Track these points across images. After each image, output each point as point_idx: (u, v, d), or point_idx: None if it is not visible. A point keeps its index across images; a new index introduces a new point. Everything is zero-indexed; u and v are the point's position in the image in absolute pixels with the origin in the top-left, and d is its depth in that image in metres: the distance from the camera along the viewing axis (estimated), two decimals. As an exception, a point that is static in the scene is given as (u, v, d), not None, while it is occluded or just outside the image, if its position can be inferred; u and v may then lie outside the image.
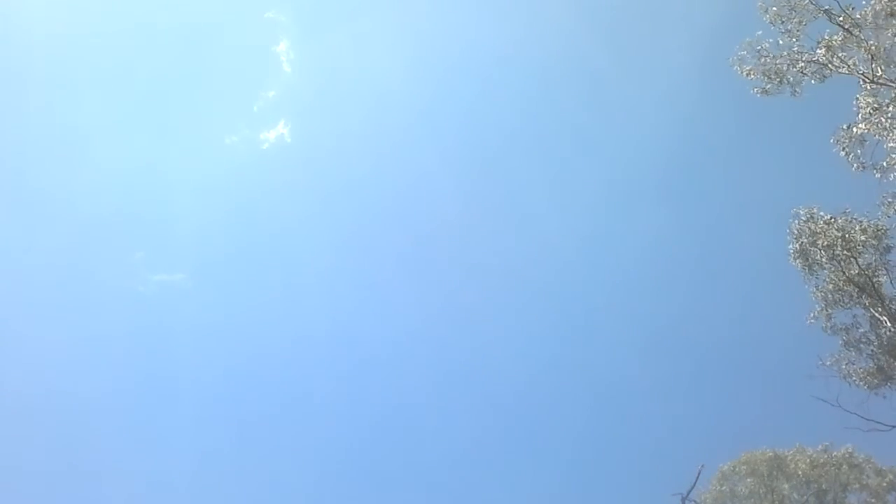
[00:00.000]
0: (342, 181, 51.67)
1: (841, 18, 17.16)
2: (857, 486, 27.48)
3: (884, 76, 17.23)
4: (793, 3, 18.27)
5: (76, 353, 47.21)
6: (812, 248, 20.88)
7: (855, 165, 18.47)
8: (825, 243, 20.57)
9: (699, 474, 28.18)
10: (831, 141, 18.56)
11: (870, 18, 16.92)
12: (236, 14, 50.87)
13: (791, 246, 21.31)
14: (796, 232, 21.17)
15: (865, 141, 18.13)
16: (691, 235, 49.02)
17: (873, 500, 27.38)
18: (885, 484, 26.97)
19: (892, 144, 17.28)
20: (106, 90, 49.59)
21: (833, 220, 20.78)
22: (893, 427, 20.79)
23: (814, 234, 20.72)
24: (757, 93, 19.14)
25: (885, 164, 18.04)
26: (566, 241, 49.38)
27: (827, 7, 17.60)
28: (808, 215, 21.04)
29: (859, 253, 20.61)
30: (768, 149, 43.88)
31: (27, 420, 43.88)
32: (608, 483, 43.03)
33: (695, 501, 28.13)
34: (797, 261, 21.30)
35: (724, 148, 46.91)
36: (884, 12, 16.41)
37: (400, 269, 51.63)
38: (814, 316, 21.68)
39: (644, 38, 46.96)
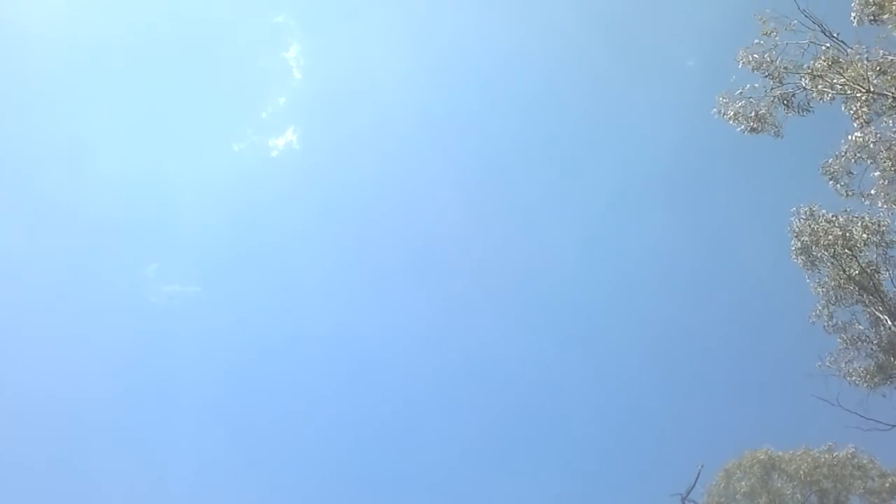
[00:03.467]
0: (351, 188, 51.58)
1: (826, 47, 17.25)
2: (861, 489, 27.45)
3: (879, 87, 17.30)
4: (771, 50, 18.16)
5: (87, 362, 47.30)
6: (814, 246, 21.00)
7: (844, 193, 18.95)
8: (826, 241, 20.69)
9: (699, 474, 28.34)
10: (819, 170, 19.00)
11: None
12: (245, 19, 50.63)
13: (792, 243, 21.44)
14: (797, 229, 21.32)
15: (853, 172, 18.67)
16: (695, 238, 49.04)
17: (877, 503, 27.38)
18: (887, 486, 26.93)
19: (877, 174, 17.76)
20: (114, 97, 49.84)
21: (835, 217, 20.92)
22: (894, 426, 20.84)
23: (814, 231, 20.88)
24: (745, 133, 19.09)
25: (872, 192, 18.42)
26: (569, 243, 49.49)
27: (806, 44, 17.63)
28: (809, 213, 21.19)
29: (860, 251, 20.70)
30: (773, 153, 43.87)
31: (38, 428, 44.24)
32: (609, 483, 43.07)
33: (694, 501, 28.31)
34: (799, 258, 21.43)
35: (728, 152, 46.91)
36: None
37: (410, 274, 51.71)
38: (815, 314, 21.76)
39: (649, 42, 47.08)
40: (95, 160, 48.86)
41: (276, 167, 51.08)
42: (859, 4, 17.12)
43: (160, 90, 49.62)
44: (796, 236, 21.32)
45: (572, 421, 46.46)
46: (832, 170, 18.97)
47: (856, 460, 27.55)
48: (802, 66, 17.92)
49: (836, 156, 18.65)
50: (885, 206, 18.61)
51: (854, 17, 17.28)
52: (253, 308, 50.69)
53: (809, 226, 20.99)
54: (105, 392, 46.27)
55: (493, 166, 51.62)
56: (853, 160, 18.31)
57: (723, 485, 28.75)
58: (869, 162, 17.88)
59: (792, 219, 21.46)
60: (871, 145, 17.66)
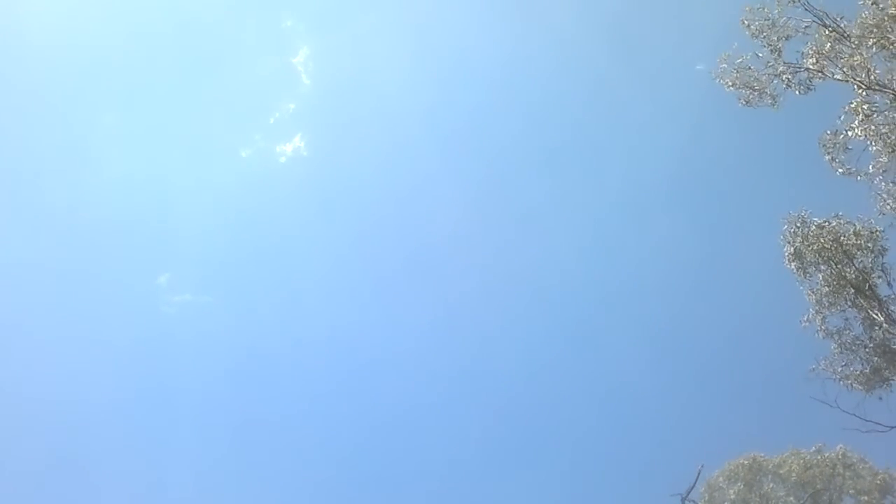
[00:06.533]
0: (359, 194, 51.27)
1: (828, 31, 17.34)
2: (852, 490, 27.68)
3: (878, 82, 17.46)
4: (773, 20, 18.44)
5: (98, 371, 46.90)
6: (807, 251, 21.06)
7: (840, 170, 18.83)
8: (818, 247, 20.78)
9: (699, 474, 28.53)
10: (818, 145, 18.90)
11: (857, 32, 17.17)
12: (253, 23, 49.88)
13: (786, 249, 21.46)
14: (790, 236, 21.38)
15: (850, 148, 18.52)
16: (698, 242, 49.21)
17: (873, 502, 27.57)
18: (878, 483, 27.15)
19: (876, 148, 17.58)
20: (122, 104, 49.42)
21: (826, 223, 21.02)
22: (892, 428, 21.01)
23: (807, 237, 20.96)
24: (741, 103, 19.40)
25: (870, 168, 18.33)
26: (572, 246, 49.73)
27: (808, 22, 17.81)
28: (801, 220, 21.26)
29: (853, 256, 20.77)
30: (778, 157, 44.03)
31: (49, 436, 44.45)
32: (609, 483, 43.34)
33: (694, 502, 28.53)
34: (792, 264, 21.45)
35: (732, 156, 47.07)
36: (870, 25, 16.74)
37: (418, 278, 51.76)
38: (807, 319, 21.74)
39: (657, 45, 47.17)
40: (103, 166, 48.33)
41: (284, 173, 50.95)
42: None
43: (167, 96, 49.11)
44: (789, 242, 21.38)
45: (573, 421, 46.79)
46: (828, 144, 18.82)
47: (846, 460, 27.77)
48: (805, 42, 18.01)
49: (834, 132, 18.49)
50: (883, 185, 18.57)
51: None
52: (263, 316, 50.62)
53: (802, 231, 21.08)
54: (116, 400, 46.44)
55: (501, 171, 51.84)
56: (851, 136, 17.92)
57: (707, 497, 28.98)
58: (868, 142, 17.70)
59: (784, 227, 21.52)
60: (871, 141, 17.60)
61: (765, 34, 18.43)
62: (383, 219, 51.99)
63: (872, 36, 16.75)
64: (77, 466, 44.21)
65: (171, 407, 46.61)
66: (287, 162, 50.50)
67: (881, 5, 16.67)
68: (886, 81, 17.12)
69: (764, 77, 18.81)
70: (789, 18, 18.13)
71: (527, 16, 47.73)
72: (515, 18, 48.23)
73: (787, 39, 18.24)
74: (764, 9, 18.49)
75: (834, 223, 20.93)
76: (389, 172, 52.34)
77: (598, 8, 48.59)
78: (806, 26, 17.87)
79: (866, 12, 16.78)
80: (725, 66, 19.34)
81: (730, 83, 19.20)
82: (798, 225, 21.25)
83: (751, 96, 19.04)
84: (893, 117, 17.27)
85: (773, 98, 18.98)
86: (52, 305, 47.65)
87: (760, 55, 18.75)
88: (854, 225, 20.74)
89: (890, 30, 16.64)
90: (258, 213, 51.59)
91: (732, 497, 28.52)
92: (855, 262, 20.82)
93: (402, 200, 52.13)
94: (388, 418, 48.89)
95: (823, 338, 21.62)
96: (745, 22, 18.83)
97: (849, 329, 21.50)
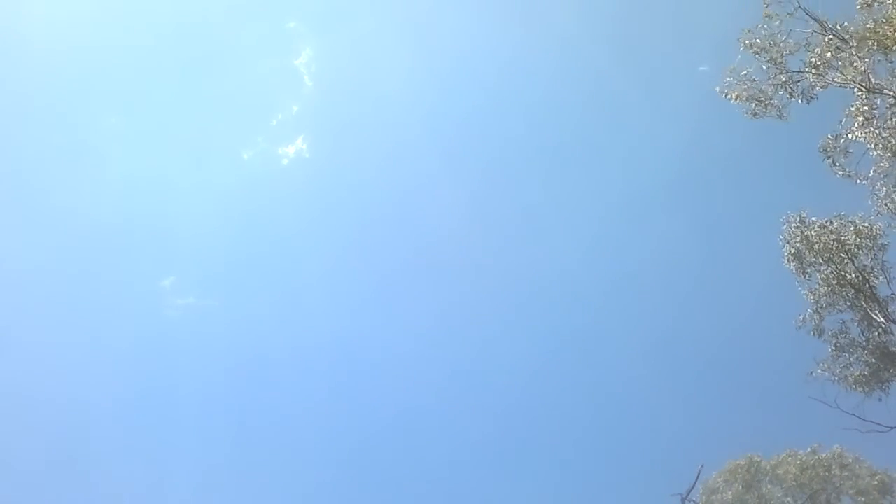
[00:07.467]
0: (362, 196, 51.00)
1: (828, 38, 17.40)
2: (852, 490, 27.71)
3: (878, 85, 17.51)
4: (772, 35, 18.37)
5: (100, 374, 46.67)
6: (807, 252, 21.12)
7: (840, 173, 18.87)
8: (820, 246, 20.84)
9: (699, 474, 28.59)
10: (819, 149, 18.94)
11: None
12: (256, 24, 49.44)
13: (785, 249, 21.51)
14: (789, 236, 21.44)
15: (851, 151, 18.59)
16: (698, 244, 49.14)
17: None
18: (875, 483, 27.19)
19: (877, 153, 17.60)
20: (123, 106, 49.24)
21: (828, 223, 21.07)
22: (892, 428, 21.04)
23: (807, 237, 21.00)
24: (747, 116, 19.29)
25: (871, 172, 18.40)
26: (573, 247, 49.77)
27: (809, 32, 17.88)
28: (800, 220, 21.31)
29: (855, 255, 20.82)
30: (779, 159, 43.97)
31: (53, 439, 44.39)
32: (609, 483, 43.35)
33: (694, 501, 28.60)
34: (791, 264, 21.51)
35: (734, 158, 47.03)
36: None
37: (422, 280, 51.66)
38: (803, 319, 21.78)
39: (660, 46, 47.14)
40: (106, 168, 47.93)
41: (286, 175, 50.52)
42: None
43: (169, 98, 48.72)
44: (788, 242, 21.43)
45: (573, 422, 46.82)
46: (829, 148, 18.86)
47: (842, 460, 27.80)
48: (807, 52, 18.00)
49: (835, 135, 18.51)
50: (883, 189, 18.65)
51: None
52: (266, 319, 50.32)
53: (801, 232, 21.12)
54: (120, 403, 46.24)
55: (503, 172, 51.75)
56: (851, 139, 18.05)
57: (704, 500, 29.04)
58: (868, 145, 17.76)
59: (783, 227, 21.58)
60: (871, 144, 17.66)
61: (766, 51, 18.36)
62: (386, 220, 51.97)
63: (871, 38, 16.81)
64: (80, 469, 44.16)
65: (175, 410, 46.57)
66: (289, 164, 50.42)
67: (881, 8, 16.76)
68: (886, 84, 17.22)
69: (769, 88, 18.79)
70: (790, 31, 18.08)
71: (529, 18, 47.78)
72: (518, 21, 48.26)
73: (789, 54, 18.21)
74: (764, 26, 18.34)
75: (836, 224, 20.98)
76: (392, 174, 52.34)
77: (600, 9, 48.60)
78: (807, 40, 17.92)
79: (864, 16, 16.89)
80: (731, 79, 19.18)
81: (735, 96, 19.14)
82: (797, 225, 21.30)
83: (757, 108, 19.07)
84: (894, 121, 17.36)
85: (780, 109, 18.92)
86: (55, 308, 47.56)
87: (765, 67, 18.66)
88: (854, 223, 20.81)
89: (888, 32, 16.70)
90: (260, 215, 51.52)
91: (730, 499, 28.56)
92: (856, 261, 20.84)
93: (405, 202, 52.17)
94: (391, 421, 48.86)
95: (816, 336, 21.73)
96: (748, 42, 18.69)
97: (846, 331, 21.58)
